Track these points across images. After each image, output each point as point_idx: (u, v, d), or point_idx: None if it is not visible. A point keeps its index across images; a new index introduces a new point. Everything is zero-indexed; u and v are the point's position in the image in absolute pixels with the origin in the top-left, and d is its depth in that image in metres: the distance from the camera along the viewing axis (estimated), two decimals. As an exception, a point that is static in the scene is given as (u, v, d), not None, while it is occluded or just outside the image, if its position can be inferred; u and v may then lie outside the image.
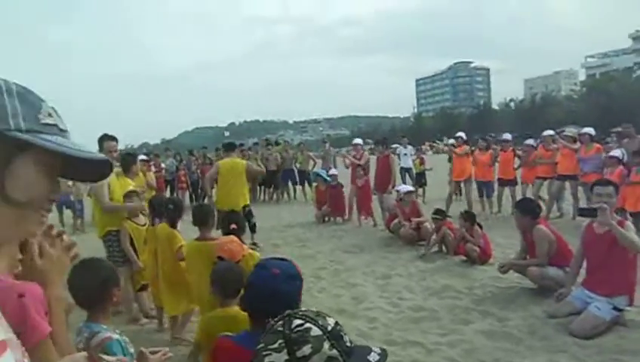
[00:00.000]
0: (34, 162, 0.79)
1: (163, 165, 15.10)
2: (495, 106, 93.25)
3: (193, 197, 16.13)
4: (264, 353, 1.12)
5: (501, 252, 7.03)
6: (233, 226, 3.78)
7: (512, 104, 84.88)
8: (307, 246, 8.54)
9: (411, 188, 9.08)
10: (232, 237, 3.61)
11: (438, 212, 7.60)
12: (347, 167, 11.18)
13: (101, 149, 5.34)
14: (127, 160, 6.23)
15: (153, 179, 10.40)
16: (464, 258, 6.75)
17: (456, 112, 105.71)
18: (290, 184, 15.66)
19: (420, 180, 13.65)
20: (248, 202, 8.12)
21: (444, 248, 7.36)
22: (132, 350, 2.13)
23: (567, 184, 9.65)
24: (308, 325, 1.18)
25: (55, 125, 0.81)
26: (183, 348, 4.20)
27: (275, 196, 15.73)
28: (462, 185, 11.34)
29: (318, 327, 1.19)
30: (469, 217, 6.91)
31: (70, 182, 12.47)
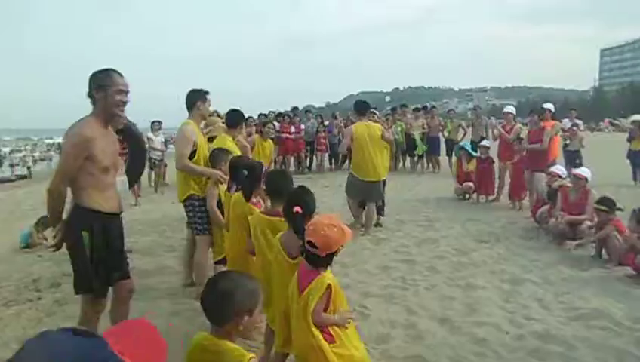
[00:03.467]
0: None
1: (303, 126, 14.64)
2: None
3: (332, 160, 15.53)
4: None
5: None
6: (296, 209, 2.77)
7: None
8: (434, 227, 7.29)
9: (586, 173, 6.48)
10: (333, 216, 2.64)
11: (604, 201, 5.66)
12: (495, 139, 9.46)
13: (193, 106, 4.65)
14: (233, 115, 5.67)
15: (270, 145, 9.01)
16: (634, 272, 4.99)
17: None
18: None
19: (572, 159, 10.91)
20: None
21: (604, 253, 5.60)
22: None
23: None
24: None
25: None
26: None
27: (418, 166, 14.39)
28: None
29: None
30: (645, 218, 5.06)
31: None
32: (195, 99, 4.63)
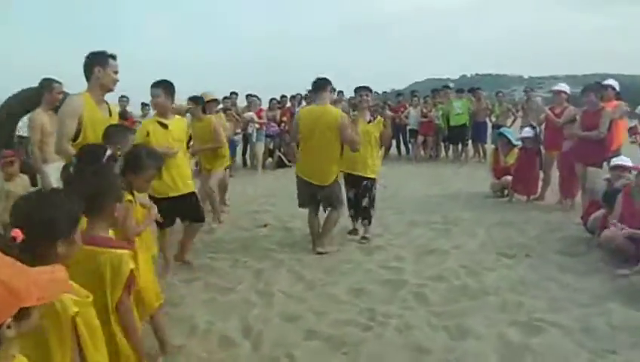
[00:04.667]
0: None
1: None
2: None
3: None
4: None
5: None
6: (14, 233, 1.40)
7: None
8: (450, 233, 5.70)
9: None
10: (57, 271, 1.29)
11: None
12: (540, 124, 7.60)
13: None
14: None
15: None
16: None
17: None
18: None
19: None
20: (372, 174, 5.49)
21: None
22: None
23: None
24: None
25: None
26: None
27: (463, 155, 12.54)
28: None
29: None
30: None
31: None
32: (94, 64, 3.40)
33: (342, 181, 5.42)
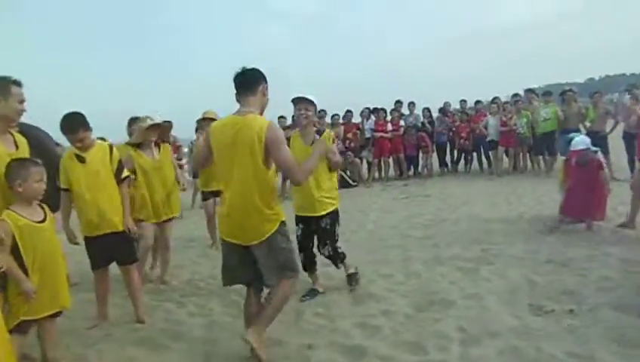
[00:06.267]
0: None
1: (402, 123, 12.08)
2: None
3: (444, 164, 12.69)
4: None
5: None
6: None
7: None
8: (477, 273, 4.40)
9: None
10: None
11: None
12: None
13: None
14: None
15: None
16: None
17: None
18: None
19: None
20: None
21: None
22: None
23: None
24: None
25: None
26: None
27: (545, 165, 10.65)
28: None
29: None
30: None
31: None
32: None
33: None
